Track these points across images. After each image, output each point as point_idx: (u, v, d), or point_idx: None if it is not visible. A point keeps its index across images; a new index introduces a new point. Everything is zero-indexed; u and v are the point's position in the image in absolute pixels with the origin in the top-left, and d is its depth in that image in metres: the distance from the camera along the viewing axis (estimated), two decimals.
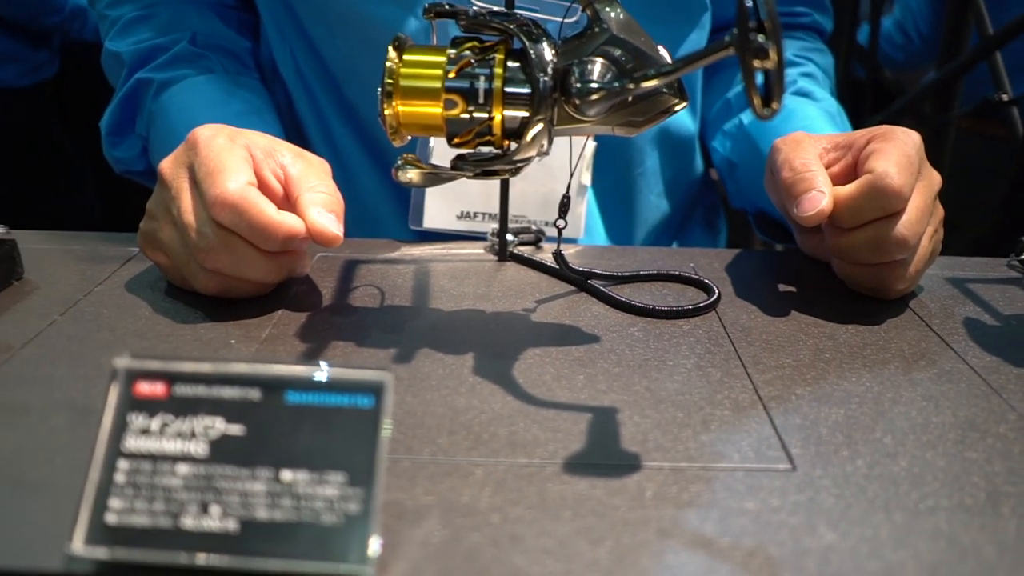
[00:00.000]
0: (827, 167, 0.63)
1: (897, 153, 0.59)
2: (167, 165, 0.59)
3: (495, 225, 0.72)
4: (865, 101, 1.89)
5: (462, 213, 0.76)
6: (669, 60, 0.50)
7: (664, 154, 0.87)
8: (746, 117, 0.85)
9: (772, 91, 0.40)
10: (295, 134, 0.85)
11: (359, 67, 0.79)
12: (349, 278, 0.67)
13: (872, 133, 0.62)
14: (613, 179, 0.85)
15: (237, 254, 0.56)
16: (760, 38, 0.38)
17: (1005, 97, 1.37)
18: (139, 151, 0.82)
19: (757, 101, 0.40)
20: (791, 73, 0.86)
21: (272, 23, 0.84)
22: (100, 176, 2.11)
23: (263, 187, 0.57)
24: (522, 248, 0.73)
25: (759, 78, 0.40)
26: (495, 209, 0.74)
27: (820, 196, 0.59)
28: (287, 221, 0.55)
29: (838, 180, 0.62)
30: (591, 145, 0.77)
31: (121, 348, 0.54)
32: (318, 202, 0.57)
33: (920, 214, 0.59)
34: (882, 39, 2.00)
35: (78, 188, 2.21)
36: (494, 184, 0.72)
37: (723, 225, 1.01)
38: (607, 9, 0.50)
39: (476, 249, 0.74)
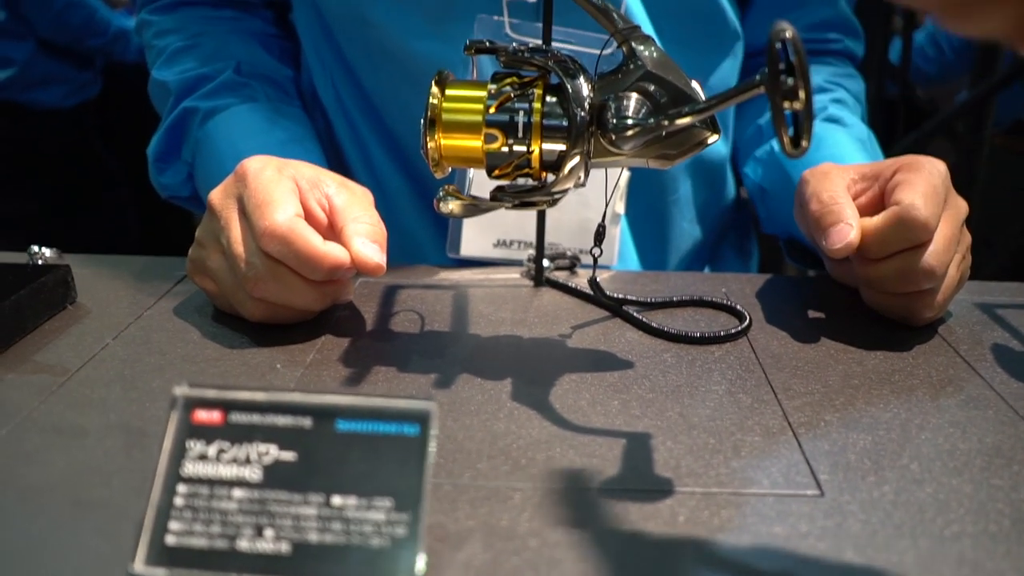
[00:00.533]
0: (854, 198, 0.64)
1: (923, 184, 0.60)
2: (216, 196, 0.61)
3: (531, 252, 0.74)
4: (898, 120, 1.89)
5: (498, 241, 0.78)
6: (702, 95, 0.51)
7: (697, 181, 0.89)
8: (777, 144, 0.86)
9: (801, 131, 0.41)
10: (335, 160, 0.88)
11: (401, 98, 0.81)
12: (390, 303, 0.69)
13: (898, 164, 0.64)
14: (646, 207, 0.86)
15: (284, 283, 0.58)
16: (790, 80, 0.40)
17: None
18: (184, 177, 0.84)
19: (787, 140, 0.42)
20: (822, 99, 0.88)
21: (313, 53, 0.86)
22: (140, 194, 2.16)
23: (309, 217, 0.60)
24: (557, 273, 0.75)
25: (788, 117, 0.42)
26: (530, 237, 0.75)
27: (848, 228, 0.60)
28: (333, 252, 0.57)
29: (866, 211, 0.63)
30: (625, 175, 0.79)
31: (171, 372, 0.57)
32: (362, 232, 0.59)
33: (947, 243, 0.60)
34: (915, 53, 2.01)
35: (119, 205, 2.26)
36: (529, 213, 0.74)
37: (755, 248, 1.02)
38: (642, 47, 0.52)
39: (513, 274, 0.76)
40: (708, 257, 0.96)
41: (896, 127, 1.96)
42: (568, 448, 0.49)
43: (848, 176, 0.66)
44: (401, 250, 0.84)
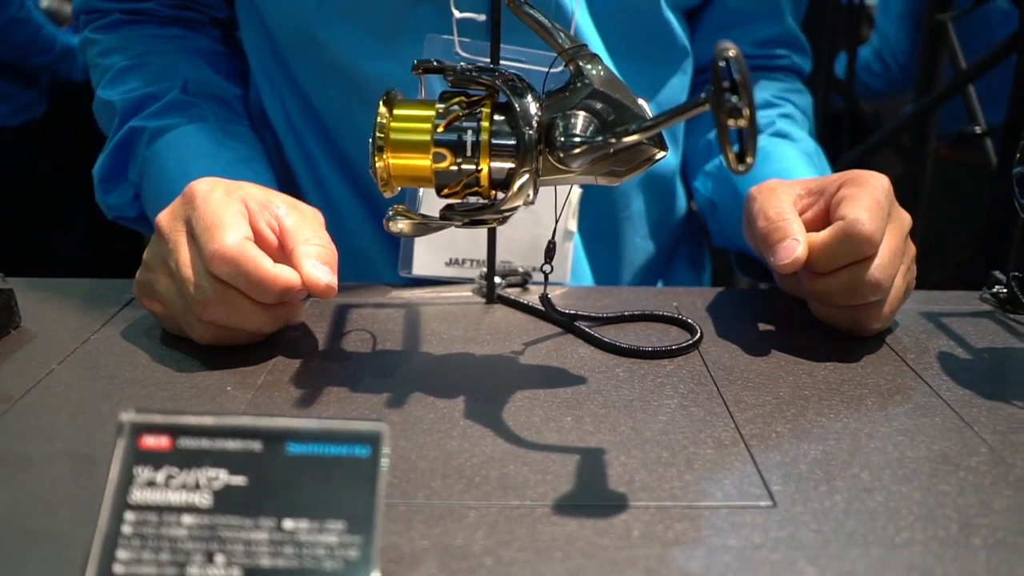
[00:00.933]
0: (801, 213, 0.65)
1: (868, 199, 0.61)
2: (164, 218, 0.61)
3: (483, 270, 0.74)
4: (844, 133, 1.93)
5: (450, 260, 0.78)
6: (649, 113, 0.52)
7: (649, 196, 0.90)
8: None
9: (745, 148, 0.42)
10: (285, 179, 0.87)
11: (351, 116, 0.81)
12: (342, 323, 0.68)
13: (843, 178, 0.65)
14: (599, 224, 0.87)
15: (234, 306, 0.58)
16: (734, 98, 0.41)
17: (979, 129, 1.40)
18: (131, 197, 0.83)
19: (731, 156, 0.42)
20: (770, 114, 0.89)
21: (262, 72, 0.86)
22: (88, 215, 2.13)
23: (258, 239, 0.59)
24: (509, 290, 0.75)
25: (733, 135, 0.42)
26: (482, 256, 0.75)
27: (795, 244, 0.61)
28: (283, 274, 0.57)
29: (812, 226, 0.64)
30: (576, 192, 0.80)
31: (120, 396, 0.56)
32: (312, 255, 0.58)
33: (892, 256, 0.61)
34: (861, 68, 2.04)
35: (67, 225, 2.22)
36: (481, 232, 0.74)
37: (708, 260, 1.03)
38: (589, 66, 0.52)
39: (464, 292, 0.76)
40: (661, 271, 0.97)
41: (842, 140, 1.99)
42: (522, 465, 0.49)
43: (794, 192, 0.67)
44: (353, 269, 0.83)
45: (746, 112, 0.40)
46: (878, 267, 0.60)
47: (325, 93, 0.82)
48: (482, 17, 0.75)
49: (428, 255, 0.78)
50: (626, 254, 0.90)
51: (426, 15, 0.76)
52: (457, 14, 0.74)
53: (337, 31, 0.78)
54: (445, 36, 0.75)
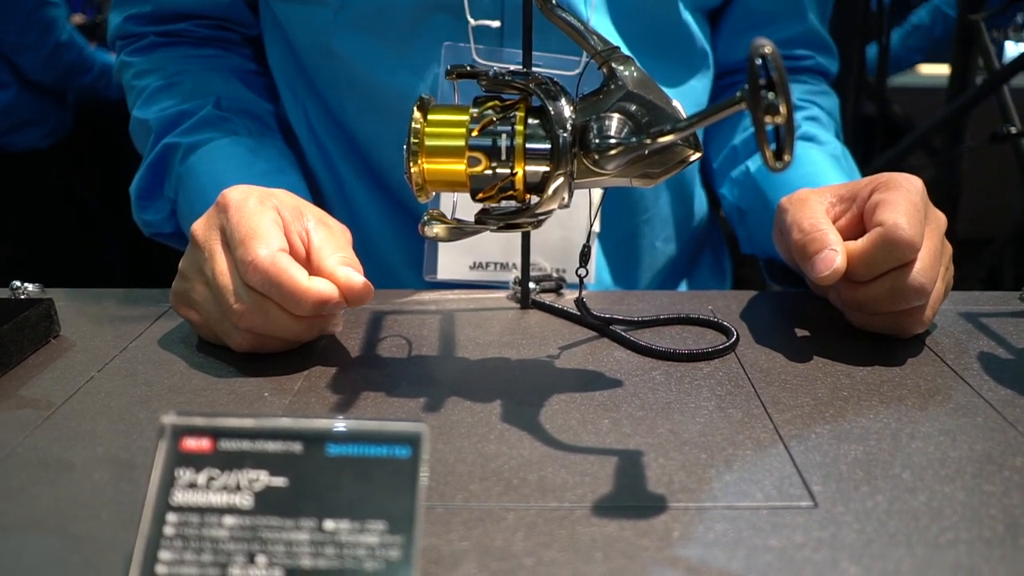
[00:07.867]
0: (833, 221, 0.64)
1: (904, 203, 0.60)
2: (199, 227, 0.61)
3: (509, 275, 0.74)
4: (876, 137, 1.91)
5: (474, 264, 0.78)
6: (683, 114, 0.52)
7: (669, 199, 0.89)
8: (752, 164, 0.86)
9: (783, 145, 0.41)
10: (310, 188, 0.87)
11: (369, 125, 0.82)
12: (377, 330, 0.68)
13: (874, 183, 0.64)
14: (618, 228, 0.87)
15: (270, 315, 0.58)
16: (770, 95, 0.40)
17: (1013, 130, 1.38)
18: (167, 214, 0.84)
19: (769, 154, 0.42)
20: (795, 118, 0.88)
21: (285, 82, 0.87)
22: (123, 230, 2.15)
23: (290, 249, 0.59)
24: (543, 295, 0.75)
25: (770, 132, 0.42)
26: (508, 259, 0.75)
27: (833, 255, 0.60)
28: (317, 286, 0.57)
29: (846, 233, 0.63)
30: (598, 194, 0.79)
31: (158, 403, 0.56)
32: (342, 262, 0.59)
33: (933, 259, 0.60)
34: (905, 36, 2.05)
35: (103, 243, 2.24)
36: (506, 235, 0.74)
37: (729, 267, 1.02)
38: (622, 67, 0.52)
39: (499, 297, 0.76)
40: (684, 274, 0.96)
41: (874, 144, 1.98)
42: (560, 467, 0.48)
43: (826, 200, 0.66)
44: (376, 274, 0.84)
45: (783, 109, 0.40)
46: (920, 271, 0.59)
47: (343, 104, 0.82)
48: (496, 23, 0.75)
49: (452, 259, 0.78)
50: (645, 257, 0.90)
51: (441, 24, 0.76)
52: (472, 21, 0.74)
53: (353, 43, 0.78)
54: (462, 44, 0.75)
